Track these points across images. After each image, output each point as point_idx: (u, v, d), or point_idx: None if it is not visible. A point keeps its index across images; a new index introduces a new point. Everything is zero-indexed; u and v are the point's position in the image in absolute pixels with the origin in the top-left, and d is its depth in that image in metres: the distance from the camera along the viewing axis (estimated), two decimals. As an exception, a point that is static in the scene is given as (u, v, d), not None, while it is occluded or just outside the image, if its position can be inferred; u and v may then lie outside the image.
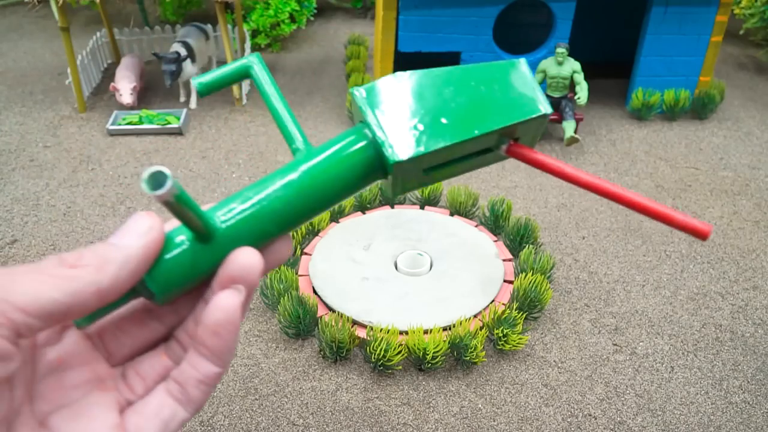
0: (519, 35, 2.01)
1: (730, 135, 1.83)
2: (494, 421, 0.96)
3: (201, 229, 0.27)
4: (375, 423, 0.96)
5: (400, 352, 1.02)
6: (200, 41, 2.03)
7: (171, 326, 0.29)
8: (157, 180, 0.23)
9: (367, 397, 1.00)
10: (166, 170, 0.23)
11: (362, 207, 1.42)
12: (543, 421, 0.97)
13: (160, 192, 0.23)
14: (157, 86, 2.11)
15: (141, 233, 0.25)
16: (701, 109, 1.89)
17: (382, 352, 1.00)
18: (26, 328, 0.21)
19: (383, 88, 0.30)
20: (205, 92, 0.32)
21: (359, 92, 0.29)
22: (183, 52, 1.89)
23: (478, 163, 0.32)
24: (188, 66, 1.91)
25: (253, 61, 0.32)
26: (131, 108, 1.90)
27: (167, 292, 0.27)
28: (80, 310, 0.23)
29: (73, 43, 1.87)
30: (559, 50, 1.65)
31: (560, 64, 1.67)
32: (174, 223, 0.28)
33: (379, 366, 1.02)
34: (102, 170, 1.65)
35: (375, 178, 0.31)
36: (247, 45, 2.16)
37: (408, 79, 0.30)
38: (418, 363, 1.04)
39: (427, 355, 1.01)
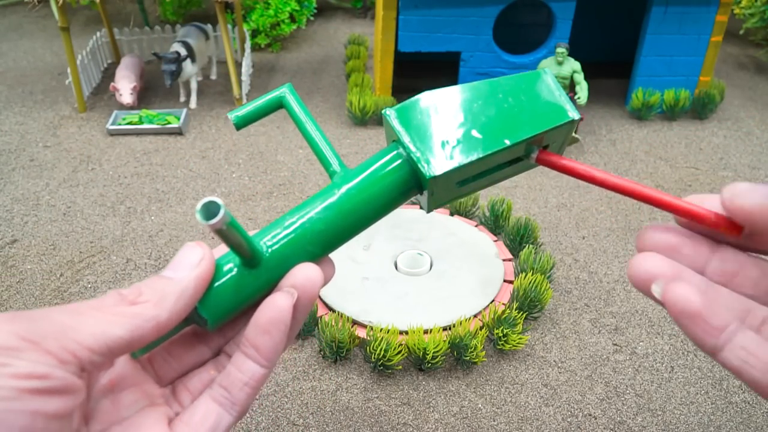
0: (519, 35, 2.01)
1: (730, 135, 1.83)
2: (494, 421, 0.96)
3: (249, 255, 0.28)
4: (375, 423, 0.96)
5: (400, 352, 1.02)
6: (200, 41, 2.03)
7: (218, 349, 0.30)
8: (209, 210, 0.25)
9: (367, 397, 1.00)
10: (219, 200, 0.25)
11: (362, 207, 1.42)
12: (543, 420, 0.97)
13: (213, 221, 0.24)
14: (157, 86, 2.11)
15: (193, 264, 0.27)
16: (701, 109, 1.89)
17: (382, 352, 1.00)
18: (90, 363, 0.23)
19: (413, 107, 0.31)
20: (241, 125, 0.34)
21: (390, 112, 0.31)
22: (183, 52, 1.89)
23: (509, 172, 0.33)
24: (188, 66, 1.91)
25: (285, 92, 0.34)
26: (131, 108, 1.90)
27: (218, 318, 0.29)
28: (140, 344, 0.24)
29: (73, 43, 1.87)
30: (559, 50, 1.65)
31: (560, 64, 1.67)
32: (221, 249, 0.30)
33: (379, 366, 1.02)
34: (102, 170, 1.65)
35: (411, 195, 0.32)
36: (247, 45, 2.16)
37: (436, 96, 0.31)
38: (418, 363, 1.04)
39: (427, 355, 1.01)
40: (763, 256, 0.24)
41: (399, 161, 0.31)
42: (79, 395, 0.23)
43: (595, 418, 0.97)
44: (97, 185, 1.58)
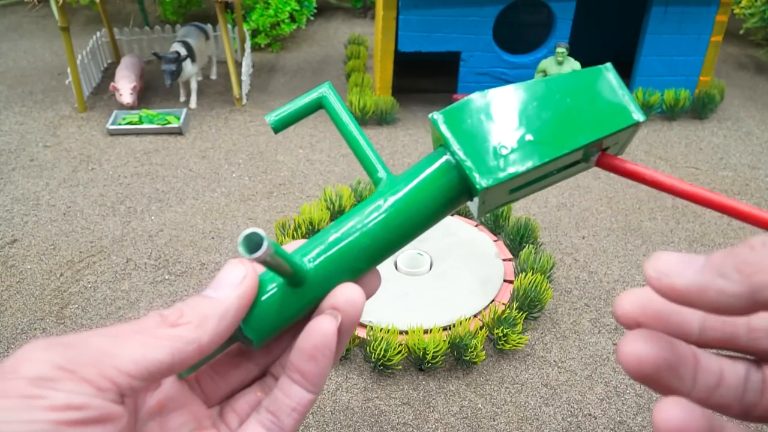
0: (519, 35, 2.01)
1: (730, 135, 1.83)
2: (494, 420, 0.96)
3: (291, 275, 0.27)
4: (375, 423, 0.96)
5: (400, 351, 1.02)
6: (200, 41, 2.03)
7: (265, 366, 0.30)
8: (252, 241, 0.24)
9: (367, 397, 1.00)
10: (260, 231, 0.23)
11: (362, 207, 1.42)
12: (543, 420, 0.97)
13: (257, 255, 0.23)
14: (157, 86, 2.11)
15: (236, 283, 0.26)
16: (701, 108, 1.89)
17: (382, 352, 1.00)
18: (130, 389, 0.22)
19: (462, 110, 0.29)
20: (279, 128, 0.32)
21: (438, 117, 0.28)
22: (183, 51, 1.89)
23: (564, 176, 0.30)
24: (188, 66, 1.91)
25: (325, 91, 0.31)
26: (131, 108, 1.90)
27: (263, 337, 0.28)
28: (182, 367, 0.24)
29: (73, 42, 1.87)
30: (559, 50, 1.65)
31: (560, 63, 1.67)
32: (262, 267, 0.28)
33: (379, 366, 1.02)
34: (102, 170, 1.65)
35: (461, 202, 0.30)
36: (247, 45, 2.16)
37: (487, 98, 0.29)
38: (418, 363, 1.04)
39: (427, 354, 1.01)
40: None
41: (448, 169, 0.28)
42: (119, 422, 0.22)
43: (595, 418, 0.97)
44: (97, 185, 1.58)
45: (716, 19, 1.78)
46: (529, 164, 0.27)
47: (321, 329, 0.26)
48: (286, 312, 0.28)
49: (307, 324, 0.26)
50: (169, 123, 1.82)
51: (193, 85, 1.97)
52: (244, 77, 2.04)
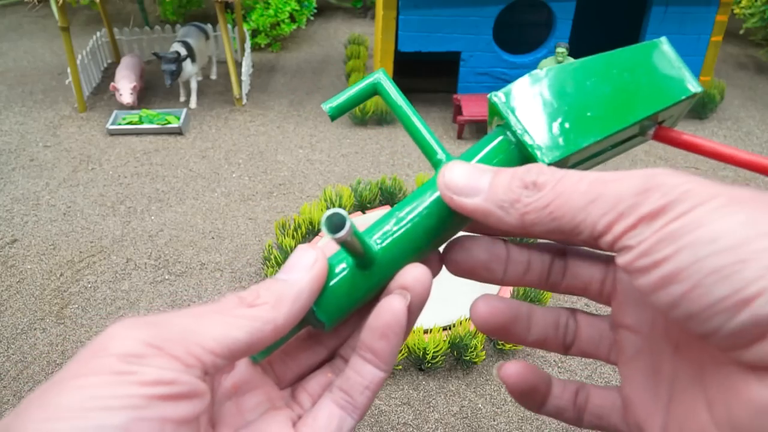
0: (519, 35, 2.01)
1: (730, 135, 1.83)
2: (494, 420, 0.96)
3: (363, 256, 0.28)
4: (375, 423, 0.95)
5: (400, 351, 1.02)
6: (200, 41, 2.03)
7: (333, 349, 0.31)
8: (333, 222, 0.25)
9: (367, 397, 1.00)
10: (343, 212, 0.24)
11: (362, 207, 1.42)
12: (543, 420, 0.97)
13: (340, 234, 0.25)
14: (157, 86, 2.11)
15: (308, 266, 0.27)
16: (701, 108, 1.89)
17: (382, 352, 1.00)
18: (213, 367, 0.23)
19: (522, 88, 0.29)
20: (336, 116, 0.32)
21: (498, 97, 0.29)
22: (183, 51, 1.89)
23: (621, 150, 0.31)
24: (188, 66, 1.91)
25: (380, 77, 0.32)
26: (131, 108, 1.90)
27: (335, 319, 0.29)
28: (258, 347, 0.24)
29: (73, 42, 1.87)
30: (559, 50, 1.65)
31: (560, 63, 1.67)
32: (330, 249, 0.30)
33: (379, 366, 1.02)
34: (102, 170, 1.65)
35: None
36: (247, 45, 2.16)
37: (545, 76, 0.29)
38: (418, 363, 1.04)
39: (427, 355, 1.01)
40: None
41: (508, 147, 0.29)
42: (205, 399, 0.23)
43: (595, 418, 0.97)
44: (97, 185, 1.58)
45: (716, 19, 1.78)
46: (588, 141, 0.28)
47: (391, 308, 0.27)
48: (356, 294, 0.29)
49: (378, 303, 0.27)
50: (169, 123, 1.82)
51: (193, 85, 1.97)
52: (244, 77, 2.04)
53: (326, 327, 0.28)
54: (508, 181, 0.25)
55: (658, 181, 0.21)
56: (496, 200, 0.25)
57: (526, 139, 0.28)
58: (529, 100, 0.29)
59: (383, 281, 0.29)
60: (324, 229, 0.24)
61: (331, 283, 0.28)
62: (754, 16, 2.26)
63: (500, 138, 0.29)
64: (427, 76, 2.10)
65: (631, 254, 0.21)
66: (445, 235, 0.30)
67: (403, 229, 0.29)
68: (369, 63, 2.32)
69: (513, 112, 0.29)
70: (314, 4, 2.53)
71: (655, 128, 0.29)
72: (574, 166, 0.30)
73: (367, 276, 0.29)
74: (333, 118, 0.32)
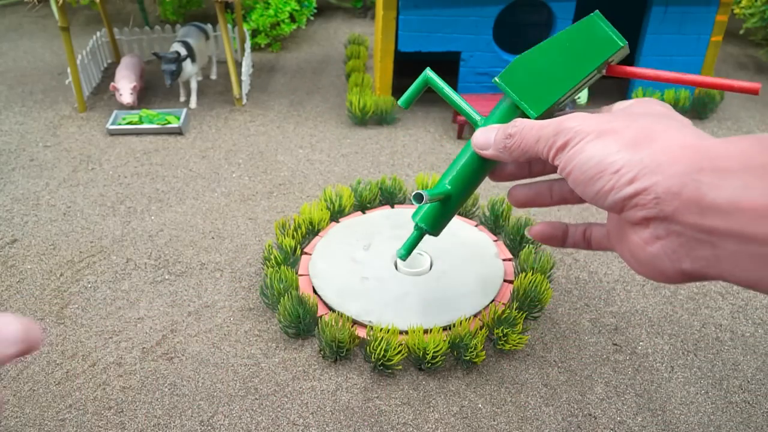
0: (519, 35, 2.01)
1: (730, 134, 1.83)
2: (494, 420, 0.96)
3: (443, 198, 0.53)
4: (375, 423, 0.95)
5: (400, 351, 1.02)
6: (200, 41, 2.03)
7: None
8: (418, 195, 0.49)
9: (367, 397, 1.00)
10: (422, 191, 0.50)
11: (362, 207, 1.42)
12: (543, 420, 0.97)
13: (424, 202, 0.50)
14: (157, 86, 2.11)
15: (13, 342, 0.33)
16: (701, 108, 1.89)
17: (382, 352, 1.00)
18: None
19: (512, 70, 0.47)
20: (407, 105, 0.56)
21: (498, 79, 0.47)
22: (183, 51, 1.89)
23: (588, 83, 0.47)
24: (188, 66, 1.91)
25: (427, 72, 0.55)
26: (131, 108, 1.90)
27: (437, 228, 0.59)
28: None
29: (73, 42, 1.87)
30: (559, 50, 1.65)
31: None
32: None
33: (379, 366, 1.02)
34: (102, 170, 1.65)
35: None
36: (247, 45, 2.16)
37: (525, 58, 0.46)
38: (418, 363, 1.04)
39: (427, 354, 1.01)
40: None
41: (513, 108, 0.48)
42: None
43: (595, 418, 0.97)
44: (97, 185, 1.58)
45: (716, 19, 1.78)
46: (560, 95, 0.45)
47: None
48: (446, 212, 0.56)
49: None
50: (169, 123, 1.82)
51: (193, 85, 1.97)
52: (244, 77, 2.04)
53: (435, 234, 0.59)
54: (499, 136, 0.44)
55: (564, 125, 0.38)
56: (497, 148, 0.44)
57: (521, 102, 0.47)
58: (516, 77, 0.47)
59: (458, 203, 0.54)
60: (413, 201, 0.50)
61: (433, 210, 0.56)
62: (754, 16, 2.26)
63: (507, 102, 0.49)
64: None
65: (559, 168, 0.38)
66: (483, 172, 0.52)
67: (457, 170, 0.52)
68: (369, 63, 2.32)
69: (509, 85, 0.47)
70: (314, 4, 2.53)
71: (606, 67, 0.46)
72: (564, 101, 0.47)
73: (448, 202, 0.54)
74: (405, 107, 0.56)
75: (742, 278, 0.32)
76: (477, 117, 0.50)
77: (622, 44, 0.43)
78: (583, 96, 1.66)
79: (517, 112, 0.47)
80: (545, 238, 0.49)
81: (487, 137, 0.45)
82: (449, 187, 0.52)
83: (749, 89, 0.41)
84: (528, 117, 0.46)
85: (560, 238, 0.48)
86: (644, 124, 0.37)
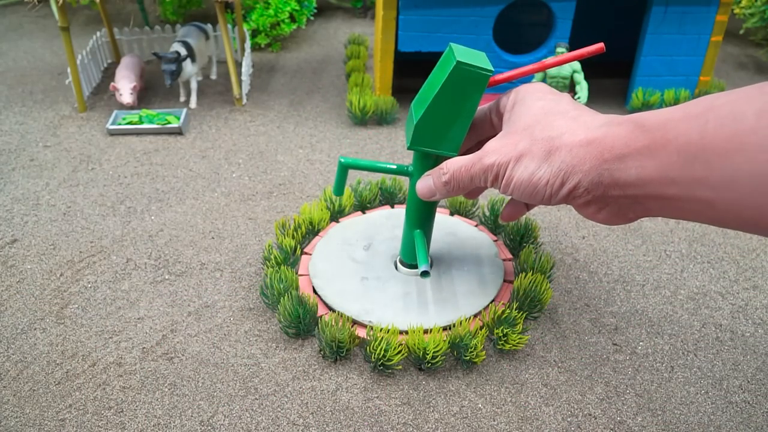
0: (519, 35, 2.01)
1: (730, 135, 1.83)
2: (494, 420, 0.96)
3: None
4: (375, 423, 0.96)
5: (400, 351, 1.02)
6: (200, 41, 2.03)
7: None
8: (425, 272, 0.81)
9: (367, 397, 1.00)
10: (426, 266, 0.83)
11: (362, 207, 1.42)
12: (543, 420, 0.97)
13: (424, 271, 0.80)
14: (157, 86, 2.11)
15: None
16: (701, 108, 1.89)
17: (382, 352, 1.00)
18: None
19: (417, 135, 0.65)
20: (340, 193, 0.75)
21: (410, 149, 0.66)
22: (183, 51, 1.89)
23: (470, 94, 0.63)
24: (188, 66, 1.91)
25: (341, 161, 0.69)
26: (131, 108, 1.90)
27: (427, 257, 0.80)
28: None
29: (73, 42, 1.87)
30: (559, 50, 1.65)
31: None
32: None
33: (379, 366, 1.02)
34: (102, 170, 1.65)
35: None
36: (247, 45, 2.16)
37: (421, 121, 0.63)
38: (418, 363, 1.04)
39: (427, 354, 1.01)
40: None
41: (427, 156, 0.69)
42: None
43: (595, 418, 0.97)
44: (97, 185, 1.58)
45: (716, 19, 1.78)
46: (466, 128, 0.61)
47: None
48: (428, 244, 0.81)
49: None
50: (169, 123, 1.82)
51: (193, 85, 1.97)
52: (244, 77, 2.04)
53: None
54: (438, 183, 0.60)
55: (485, 164, 0.54)
56: (440, 192, 0.60)
57: (440, 153, 0.64)
58: (425, 137, 0.63)
59: (430, 233, 0.82)
60: (424, 278, 0.80)
61: (422, 250, 0.77)
62: (754, 16, 2.26)
63: (420, 155, 0.68)
64: (427, 76, 2.10)
65: (501, 192, 0.53)
66: (436, 204, 0.72)
67: (420, 215, 0.72)
68: (369, 63, 2.32)
69: (424, 146, 0.65)
70: (314, 4, 2.53)
71: (488, 80, 0.58)
72: (465, 121, 0.61)
73: (427, 237, 0.80)
74: (340, 195, 0.81)
75: (672, 218, 0.44)
76: (406, 167, 0.65)
77: (492, 72, 0.57)
78: (583, 96, 1.66)
79: (432, 156, 0.62)
80: (512, 217, 0.71)
81: (429, 186, 0.60)
82: (420, 230, 0.66)
83: (595, 51, 0.53)
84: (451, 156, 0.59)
85: (522, 211, 0.70)
86: (543, 137, 0.49)
